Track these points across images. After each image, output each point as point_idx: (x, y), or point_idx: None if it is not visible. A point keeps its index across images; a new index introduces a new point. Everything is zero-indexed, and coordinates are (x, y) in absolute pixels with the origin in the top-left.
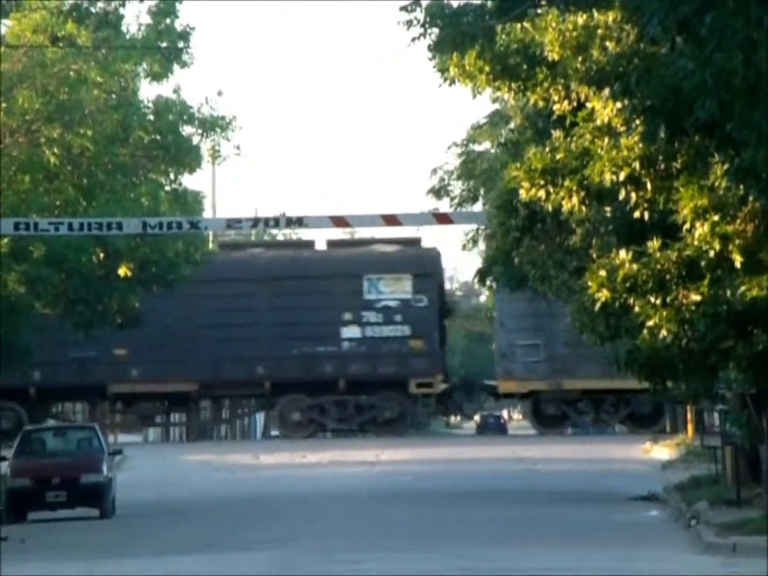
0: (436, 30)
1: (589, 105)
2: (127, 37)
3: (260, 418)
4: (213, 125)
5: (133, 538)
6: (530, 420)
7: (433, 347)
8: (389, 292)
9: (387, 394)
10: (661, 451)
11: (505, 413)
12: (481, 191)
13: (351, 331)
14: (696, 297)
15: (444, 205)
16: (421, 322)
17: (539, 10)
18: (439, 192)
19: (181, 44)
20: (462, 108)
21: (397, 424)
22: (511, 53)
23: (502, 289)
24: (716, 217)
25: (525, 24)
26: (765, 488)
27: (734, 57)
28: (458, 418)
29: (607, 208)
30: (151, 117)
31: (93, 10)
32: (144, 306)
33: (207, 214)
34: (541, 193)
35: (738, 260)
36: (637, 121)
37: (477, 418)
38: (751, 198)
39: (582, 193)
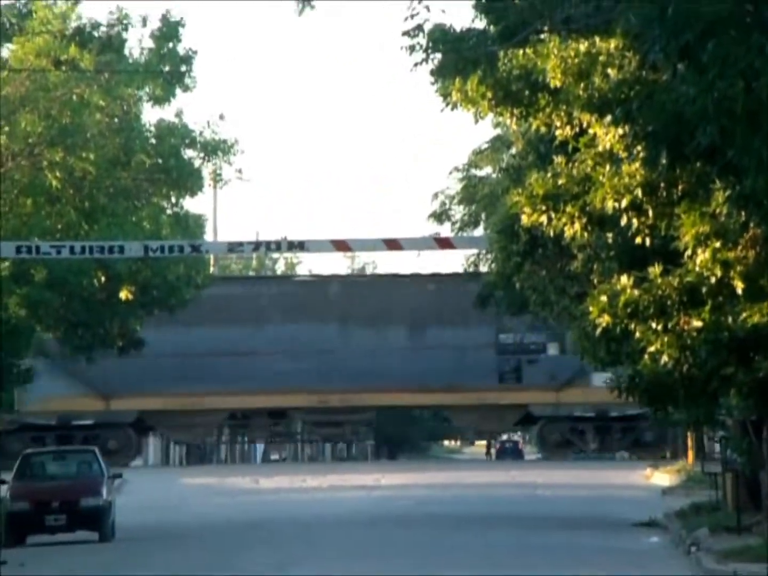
0: (438, 55)
1: (591, 131)
2: (130, 61)
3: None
4: (215, 149)
5: (133, 562)
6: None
7: None
8: None
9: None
10: (662, 477)
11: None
12: (483, 216)
13: None
14: (697, 323)
15: (445, 230)
16: None
17: (541, 37)
18: (440, 216)
19: (183, 68)
20: (464, 133)
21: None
22: (514, 79)
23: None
24: (717, 244)
25: (527, 50)
26: (765, 515)
27: (735, 84)
28: (458, 442)
29: (609, 234)
30: (153, 141)
31: (96, 34)
32: None
33: (208, 237)
34: (543, 219)
35: (739, 287)
36: (639, 147)
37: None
38: (752, 224)
39: (584, 219)
